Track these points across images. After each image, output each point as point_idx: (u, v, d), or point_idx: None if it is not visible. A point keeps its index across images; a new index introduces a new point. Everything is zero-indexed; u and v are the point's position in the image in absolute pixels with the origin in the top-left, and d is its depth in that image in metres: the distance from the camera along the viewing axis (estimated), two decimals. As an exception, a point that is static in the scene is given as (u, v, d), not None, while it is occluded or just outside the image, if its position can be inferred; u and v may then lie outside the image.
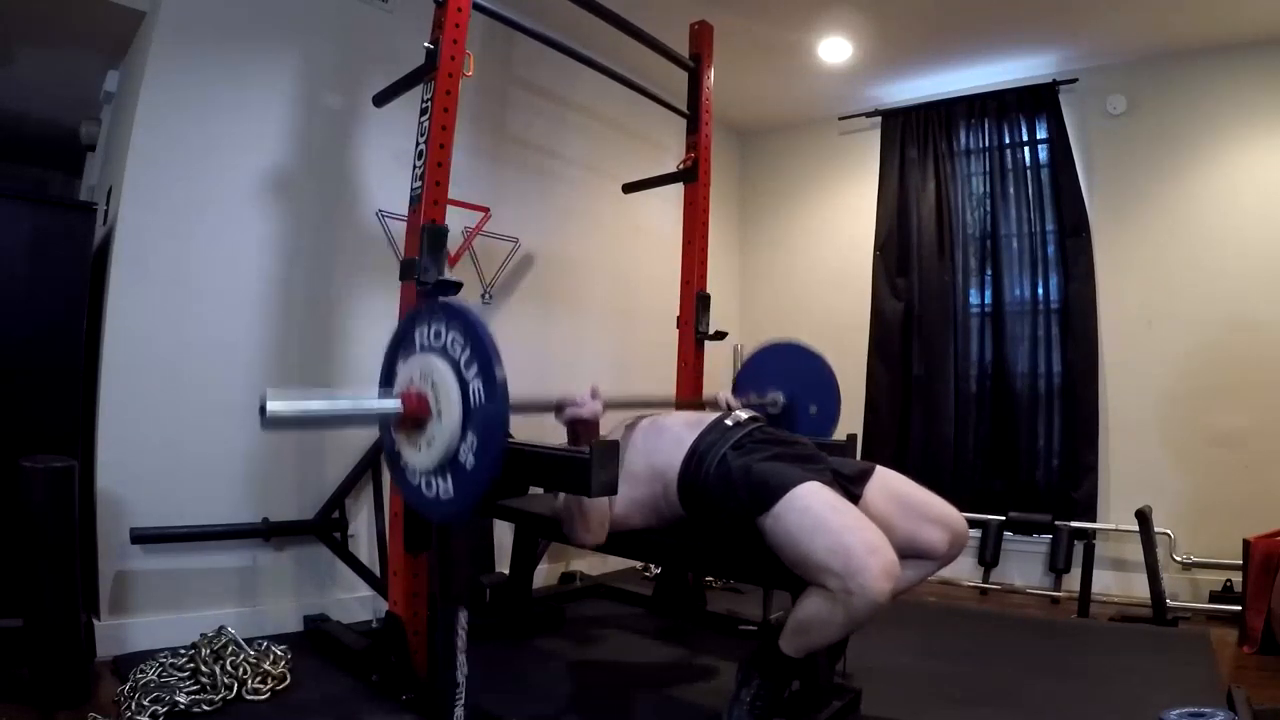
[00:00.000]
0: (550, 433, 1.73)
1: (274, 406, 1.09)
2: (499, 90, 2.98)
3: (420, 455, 1.29)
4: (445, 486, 1.27)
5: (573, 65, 2.45)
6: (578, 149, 3.29)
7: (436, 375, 1.26)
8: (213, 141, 2.20)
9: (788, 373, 2.36)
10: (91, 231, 2.05)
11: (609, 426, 1.85)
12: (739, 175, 4.38)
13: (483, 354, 1.22)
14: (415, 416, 1.27)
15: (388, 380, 1.38)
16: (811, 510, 1.35)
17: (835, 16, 3.03)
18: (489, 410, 1.20)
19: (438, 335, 1.30)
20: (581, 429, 1.55)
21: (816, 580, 1.32)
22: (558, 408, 1.54)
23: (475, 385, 1.22)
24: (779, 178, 4.28)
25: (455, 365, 1.25)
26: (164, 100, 2.12)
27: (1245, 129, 3.05)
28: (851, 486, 1.54)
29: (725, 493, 1.49)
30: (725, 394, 2.10)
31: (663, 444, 1.64)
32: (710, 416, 1.69)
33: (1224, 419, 3.00)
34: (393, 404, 1.29)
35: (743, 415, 1.68)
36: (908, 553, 1.47)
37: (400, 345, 1.38)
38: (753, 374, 2.43)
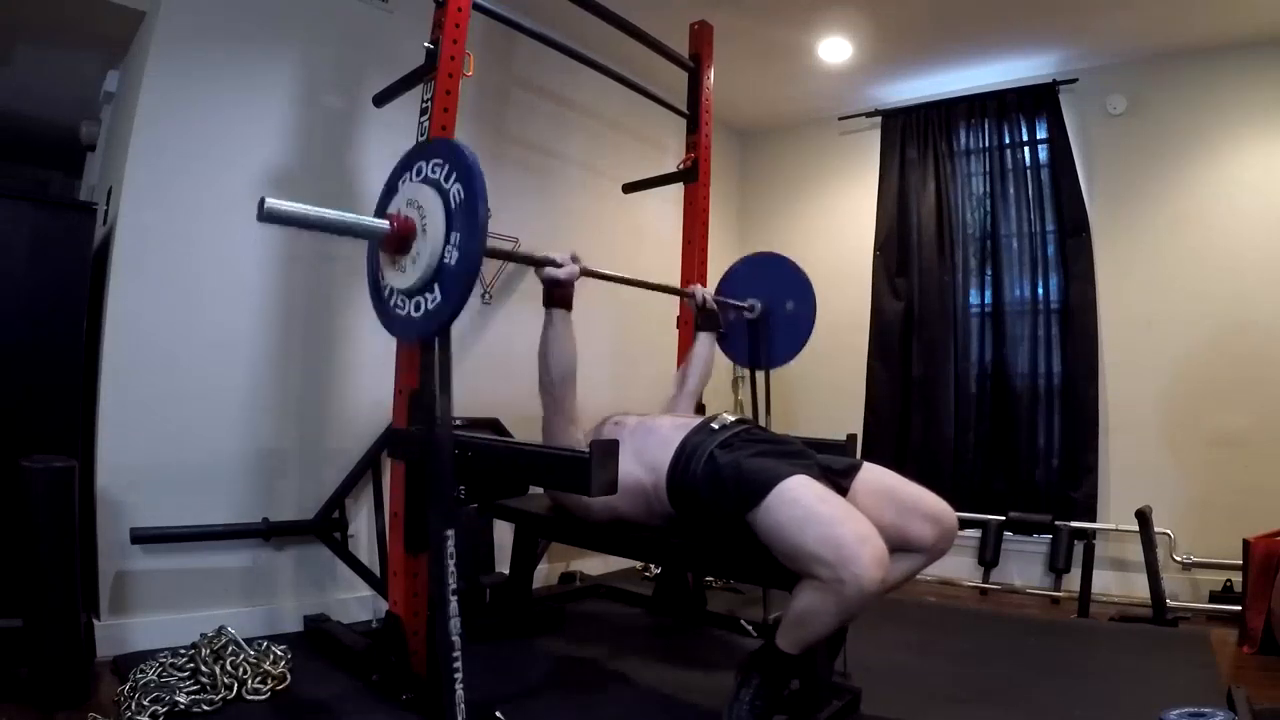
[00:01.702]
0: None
1: (271, 203, 1.22)
2: (499, 90, 2.98)
3: (405, 275, 1.41)
4: (433, 296, 1.37)
5: (573, 65, 2.45)
6: (578, 149, 3.29)
7: (421, 197, 1.40)
8: (213, 141, 2.20)
9: (765, 279, 2.55)
10: (91, 231, 2.05)
11: (598, 418, 1.87)
12: (739, 175, 4.38)
13: (459, 162, 1.37)
14: (401, 234, 1.40)
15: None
16: (800, 502, 1.36)
17: (835, 16, 3.03)
18: (469, 204, 1.33)
19: (418, 171, 1.44)
20: (557, 290, 1.69)
21: (808, 571, 1.33)
22: (536, 263, 1.68)
23: (454, 190, 1.36)
24: (779, 178, 4.28)
25: (437, 184, 1.39)
26: (164, 100, 2.12)
27: (1245, 129, 3.05)
28: (840, 480, 1.55)
29: (714, 490, 1.49)
30: (703, 290, 2.35)
31: (651, 443, 1.65)
32: (697, 419, 1.71)
33: (1224, 419, 3.00)
34: (380, 223, 1.41)
35: (729, 417, 1.70)
36: (896, 546, 1.47)
37: (388, 194, 1.52)
38: (731, 283, 2.61)
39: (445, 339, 1.43)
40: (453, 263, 1.34)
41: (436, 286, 1.37)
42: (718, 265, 2.76)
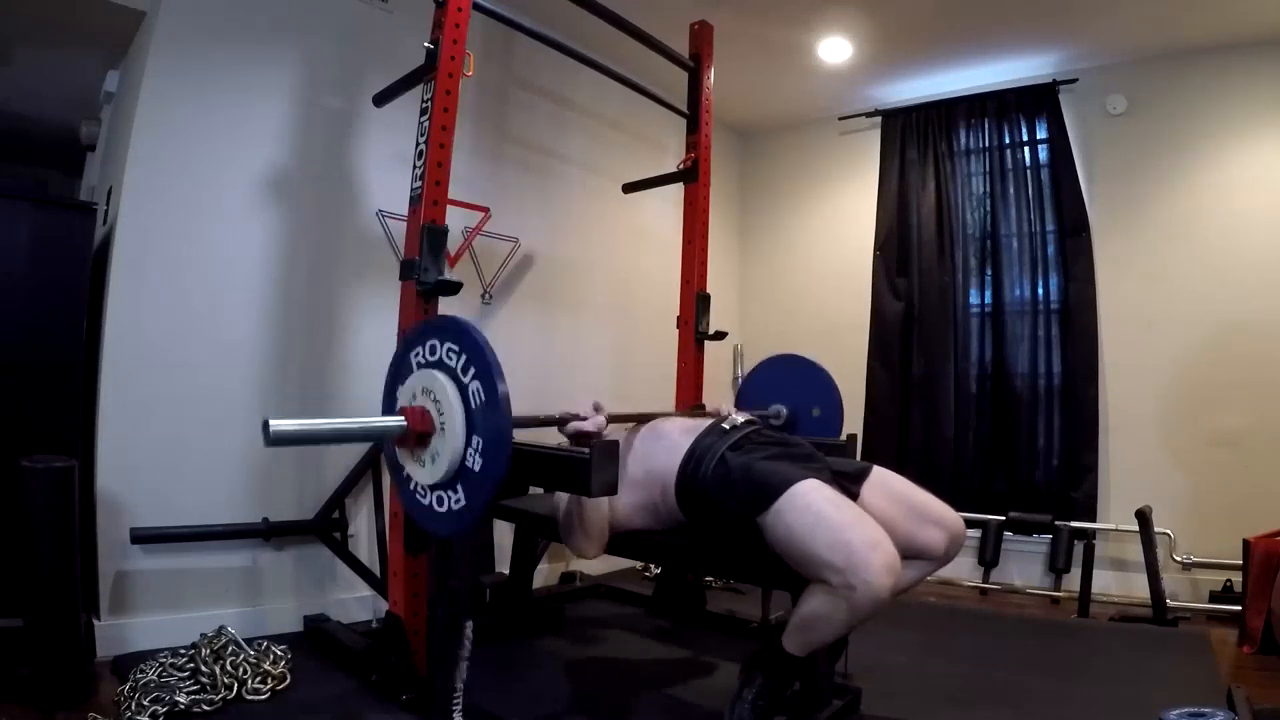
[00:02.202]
0: (551, 433, 1.72)
1: (277, 427, 1.12)
2: (499, 90, 2.98)
3: (427, 471, 1.30)
4: (456, 496, 1.27)
5: (573, 65, 2.45)
6: (578, 149, 3.29)
7: (436, 387, 1.28)
8: (213, 141, 2.20)
9: (788, 383, 2.44)
10: (91, 231, 2.05)
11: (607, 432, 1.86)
12: (739, 175, 4.38)
13: (478, 356, 1.24)
14: (419, 431, 1.29)
15: (389, 410, 1.40)
16: (812, 507, 1.35)
17: (835, 16, 3.03)
18: (491, 410, 1.21)
19: (432, 350, 1.33)
20: (586, 443, 1.53)
21: (818, 576, 1.32)
22: (560, 422, 1.54)
23: (474, 387, 1.24)
24: (779, 178, 4.28)
25: (453, 374, 1.27)
26: (164, 100, 2.12)
27: (1245, 129, 3.05)
28: (850, 485, 1.54)
29: (724, 493, 1.49)
30: (728, 407, 2.08)
31: (660, 448, 1.64)
32: (707, 420, 1.69)
33: (1224, 419, 3.00)
34: (396, 420, 1.31)
35: (739, 419, 1.68)
36: (906, 553, 1.46)
37: (398, 372, 1.40)
38: (753, 389, 2.50)
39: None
40: (476, 468, 1.23)
41: (460, 488, 1.27)
42: (717, 265, 2.76)
